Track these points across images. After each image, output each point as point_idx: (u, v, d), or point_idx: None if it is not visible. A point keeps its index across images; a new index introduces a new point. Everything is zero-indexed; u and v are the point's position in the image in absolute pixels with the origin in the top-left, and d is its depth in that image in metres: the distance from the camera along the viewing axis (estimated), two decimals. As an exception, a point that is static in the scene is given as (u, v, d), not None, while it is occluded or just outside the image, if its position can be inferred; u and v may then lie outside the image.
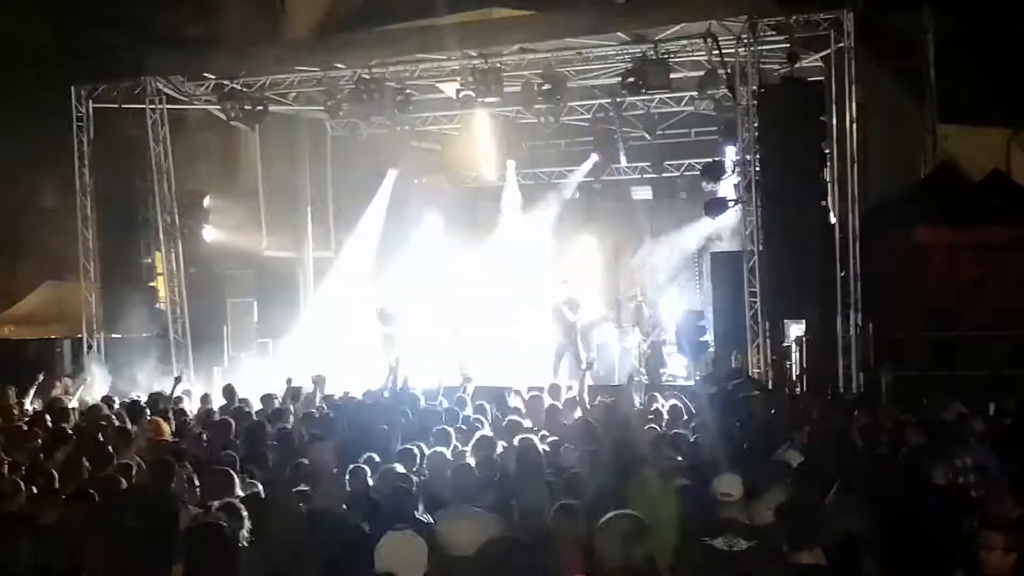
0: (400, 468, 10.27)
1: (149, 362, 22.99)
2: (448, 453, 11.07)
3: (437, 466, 10.53)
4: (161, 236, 23.42)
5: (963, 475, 10.42)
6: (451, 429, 12.91)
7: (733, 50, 20.43)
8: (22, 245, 27.76)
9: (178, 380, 18.93)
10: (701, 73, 21.52)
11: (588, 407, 15.69)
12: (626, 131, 25.43)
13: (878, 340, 19.65)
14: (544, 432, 13.11)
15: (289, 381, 17.83)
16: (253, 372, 23.51)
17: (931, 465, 9.85)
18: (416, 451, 11.33)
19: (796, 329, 21.24)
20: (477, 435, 12.16)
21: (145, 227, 23.47)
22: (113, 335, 23.62)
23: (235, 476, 10.01)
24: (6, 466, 11.59)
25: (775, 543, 7.29)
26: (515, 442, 11.56)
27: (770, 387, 18.96)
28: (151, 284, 23.50)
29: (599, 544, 6.68)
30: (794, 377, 20.63)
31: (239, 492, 9.57)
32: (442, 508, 8.60)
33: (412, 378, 17.69)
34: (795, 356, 21.01)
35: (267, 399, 17.17)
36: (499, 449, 11.66)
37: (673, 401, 16.66)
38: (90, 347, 23.53)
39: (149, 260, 23.51)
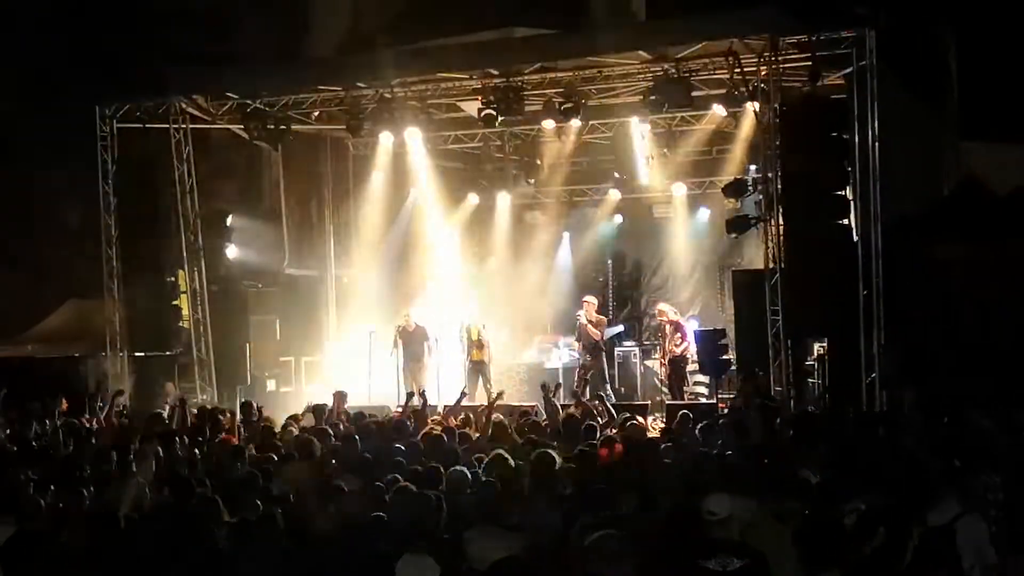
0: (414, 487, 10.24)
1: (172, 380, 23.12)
2: (468, 472, 11.06)
3: (457, 485, 10.53)
4: (184, 254, 23.45)
5: (991, 493, 10.33)
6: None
7: (755, 68, 20.43)
8: (46, 263, 27.88)
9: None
10: (723, 91, 21.54)
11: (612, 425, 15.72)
12: (647, 149, 25.40)
13: (901, 357, 19.56)
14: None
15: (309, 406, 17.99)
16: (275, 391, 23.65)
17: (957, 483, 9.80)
18: (438, 470, 11.35)
19: (818, 347, 21.18)
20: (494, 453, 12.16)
21: (169, 246, 23.49)
22: (136, 353, 23.66)
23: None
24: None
25: (766, 562, 7.30)
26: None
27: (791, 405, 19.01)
28: (174, 302, 23.48)
29: (588, 564, 6.77)
30: (816, 395, 20.57)
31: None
32: (464, 526, 8.61)
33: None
34: (817, 374, 20.94)
35: (292, 420, 17.27)
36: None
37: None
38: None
39: (172, 278, 23.51)
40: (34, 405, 17.95)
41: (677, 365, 23.58)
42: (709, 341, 22.65)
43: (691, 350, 23.81)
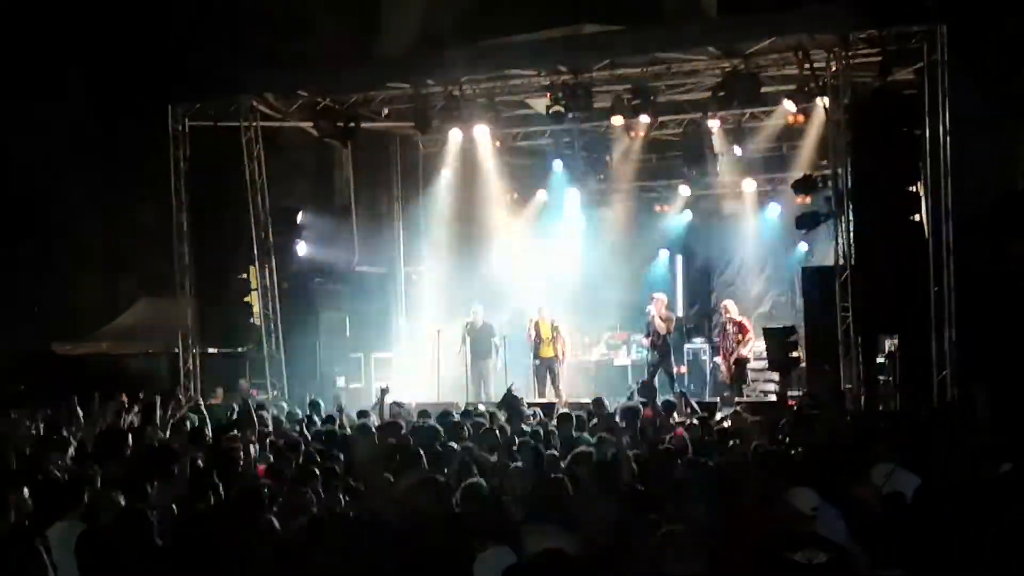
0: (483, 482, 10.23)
1: (243, 376, 23.35)
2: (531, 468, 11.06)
3: (519, 480, 10.54)
4: (255, 252, 23.63)
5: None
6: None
7: (825, 63, 20.31)
8: (120, 261, 28.22)
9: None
10: (792, 87, 21.43)
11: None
12: (716, 145, 25.30)
13: (973, 355, 19.34)
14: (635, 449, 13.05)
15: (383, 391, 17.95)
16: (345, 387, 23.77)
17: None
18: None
19: (889, 344, 21.00)
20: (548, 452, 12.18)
21: (240, 243, 23.66)
22: (209, 349, 23.91)
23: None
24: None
25: (854, 557, 7.26)
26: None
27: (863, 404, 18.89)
28: (246, 299, 23.64)
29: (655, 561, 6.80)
30: (888, 392, 20.40)
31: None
32: (521, 523, 8.61)
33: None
34: (888, 371, 20.77)
35: (363, 414, 17.32)
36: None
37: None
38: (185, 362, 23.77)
39: (244, 275, 23.67)
40: (108, 403, 18.11)
41: (740, 364, 23.48)
42: (778, 338, 22.53)
43: (755, 349, 23.69)
